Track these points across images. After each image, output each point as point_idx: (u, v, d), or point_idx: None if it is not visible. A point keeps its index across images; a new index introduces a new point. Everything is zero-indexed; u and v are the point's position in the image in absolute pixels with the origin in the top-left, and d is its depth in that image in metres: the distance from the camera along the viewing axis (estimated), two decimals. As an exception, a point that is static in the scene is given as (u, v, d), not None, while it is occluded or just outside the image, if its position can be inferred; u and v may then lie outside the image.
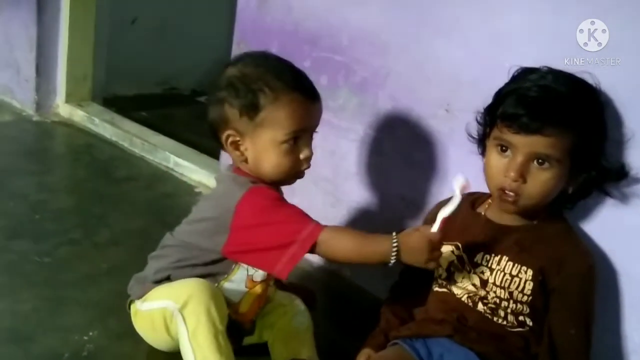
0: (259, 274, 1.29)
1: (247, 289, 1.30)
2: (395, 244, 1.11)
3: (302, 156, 1.23)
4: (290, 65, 1.27)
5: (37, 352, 1.30)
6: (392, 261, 1.12)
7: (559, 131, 1.11)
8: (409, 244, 1.11)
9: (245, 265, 1.27)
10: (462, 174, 1.12)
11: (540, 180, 1.14)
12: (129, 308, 1.34)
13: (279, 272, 1.16)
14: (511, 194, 1.15)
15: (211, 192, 1.33)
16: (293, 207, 1.21)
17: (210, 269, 1.26)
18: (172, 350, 1.29)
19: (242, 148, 1.24)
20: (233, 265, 1.27)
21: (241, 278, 1.29)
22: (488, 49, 1.38)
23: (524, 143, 1.12)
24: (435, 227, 1.11)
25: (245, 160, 1.25)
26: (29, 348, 1.30)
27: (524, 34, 1.32)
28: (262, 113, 1.20)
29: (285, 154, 1.22)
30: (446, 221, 1.11)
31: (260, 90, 1.20)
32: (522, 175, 1.13)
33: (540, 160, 1.13)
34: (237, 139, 1.23)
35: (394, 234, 1.13)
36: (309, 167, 1.26)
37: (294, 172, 1.25)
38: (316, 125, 1.26)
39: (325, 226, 1.16)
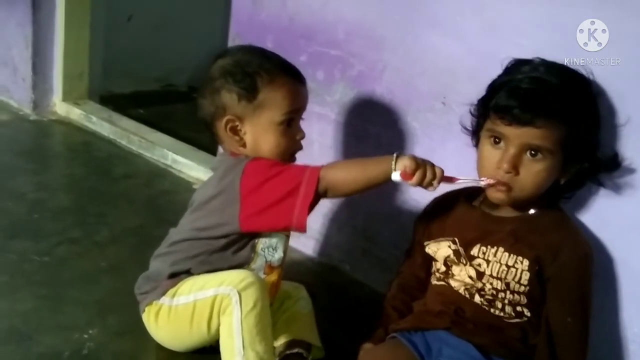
0: (276, 259, 1.32)
1: (265, 276, 1.31)
2: (395, 154, 1.16)
3: (297, 137, 1.30)
4: (275, 53, 1.33)
5: (38, 351, 1.30)
6: (395, 171, 1.14)
7: (551, 123, 1.11)
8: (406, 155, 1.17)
9: (263, 252, 1.30)
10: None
11: (533, 171, 1.14)
12: (144, 310, 1.32)
13: (297, 221, 1.19)
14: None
15: (210, 179, 1.34)
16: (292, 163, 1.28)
17: (232, 261, 1.27)
18: (193, 349, 1.30)
19: (240, 133, 1.27)
20: (252, 254, 1.29)
21: (260, 265, 1.31)
22: (484, 42, 1.38)
23: (516, 135, 1.13)
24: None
25: (244, 145, 1.28)
26: (29, 347, 1.30)
27: (520, 27, 1.32)
28: (260, 95, 1.25)
29: (282, 134, 1.27)
30: (450, 180, 1.16)
31: (256, 73, 1.25)
32: (515, 167, 1.14)
33: (532, 152, 1.13)
34: (237, 123, 1.27)
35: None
36: (302, 148, 1.32)
37: (291, 152, 1.31)
38: (305, 107, 1.32)
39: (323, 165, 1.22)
